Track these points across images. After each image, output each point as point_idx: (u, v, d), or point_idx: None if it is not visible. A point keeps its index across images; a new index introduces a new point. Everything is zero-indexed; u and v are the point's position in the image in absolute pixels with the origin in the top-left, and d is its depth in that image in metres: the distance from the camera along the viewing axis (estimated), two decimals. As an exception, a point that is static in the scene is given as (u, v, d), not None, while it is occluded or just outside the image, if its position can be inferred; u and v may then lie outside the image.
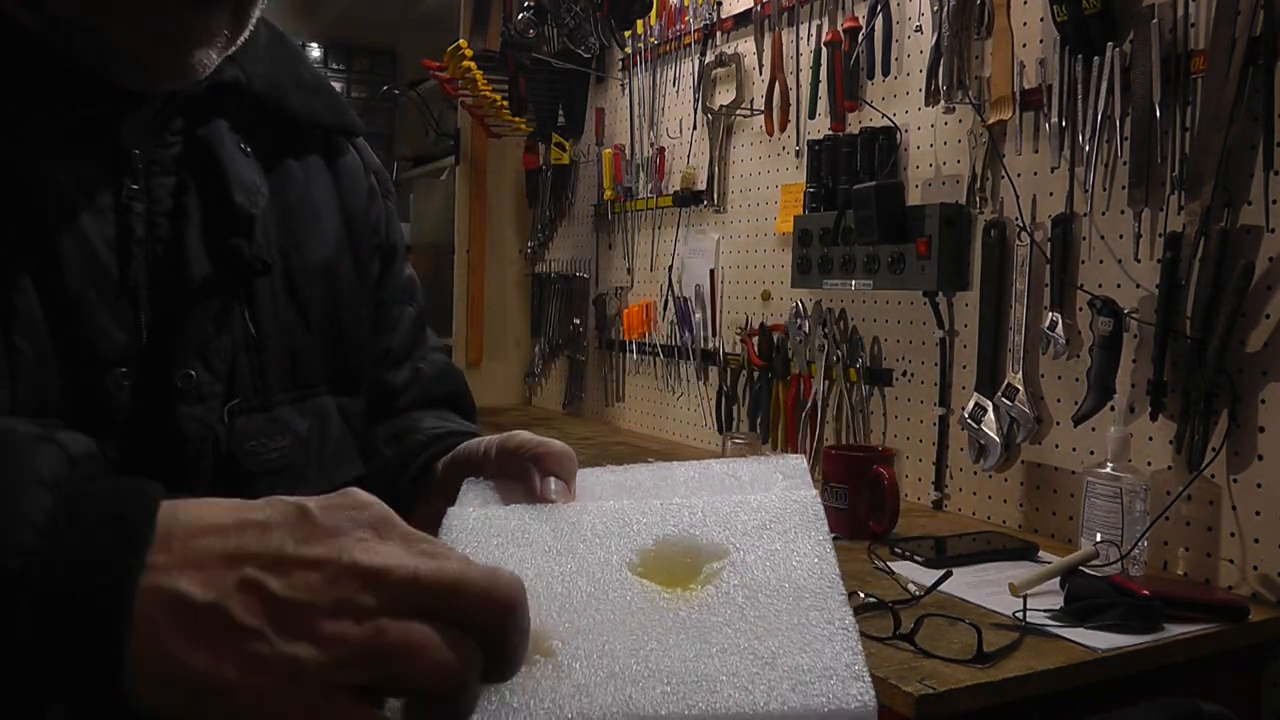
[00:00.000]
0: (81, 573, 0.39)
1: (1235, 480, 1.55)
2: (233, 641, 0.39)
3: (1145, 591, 1.37)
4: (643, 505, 0.58)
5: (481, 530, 0.57)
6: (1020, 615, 1.34)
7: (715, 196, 2.66)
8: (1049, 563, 1.54)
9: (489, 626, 0.41)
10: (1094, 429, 1.73)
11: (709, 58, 2.67)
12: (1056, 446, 1.83)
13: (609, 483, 0.64)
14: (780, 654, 0.45)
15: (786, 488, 0.61)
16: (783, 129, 2.40)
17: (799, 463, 0.64)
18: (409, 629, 0.39)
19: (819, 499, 0.58)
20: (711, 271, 2.70)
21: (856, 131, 2.19)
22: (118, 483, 0.43)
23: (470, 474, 0.68)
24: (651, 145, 2.95)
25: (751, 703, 0.43)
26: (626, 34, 2.85)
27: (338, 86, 4.49)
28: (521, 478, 0.64)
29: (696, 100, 2.70)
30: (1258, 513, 1.52)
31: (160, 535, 0.41)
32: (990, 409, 1.90)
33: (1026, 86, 1.83)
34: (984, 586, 1.48)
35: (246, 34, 0.71)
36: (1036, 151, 1.84)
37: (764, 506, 0.57)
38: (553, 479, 0.62)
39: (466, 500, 0.64)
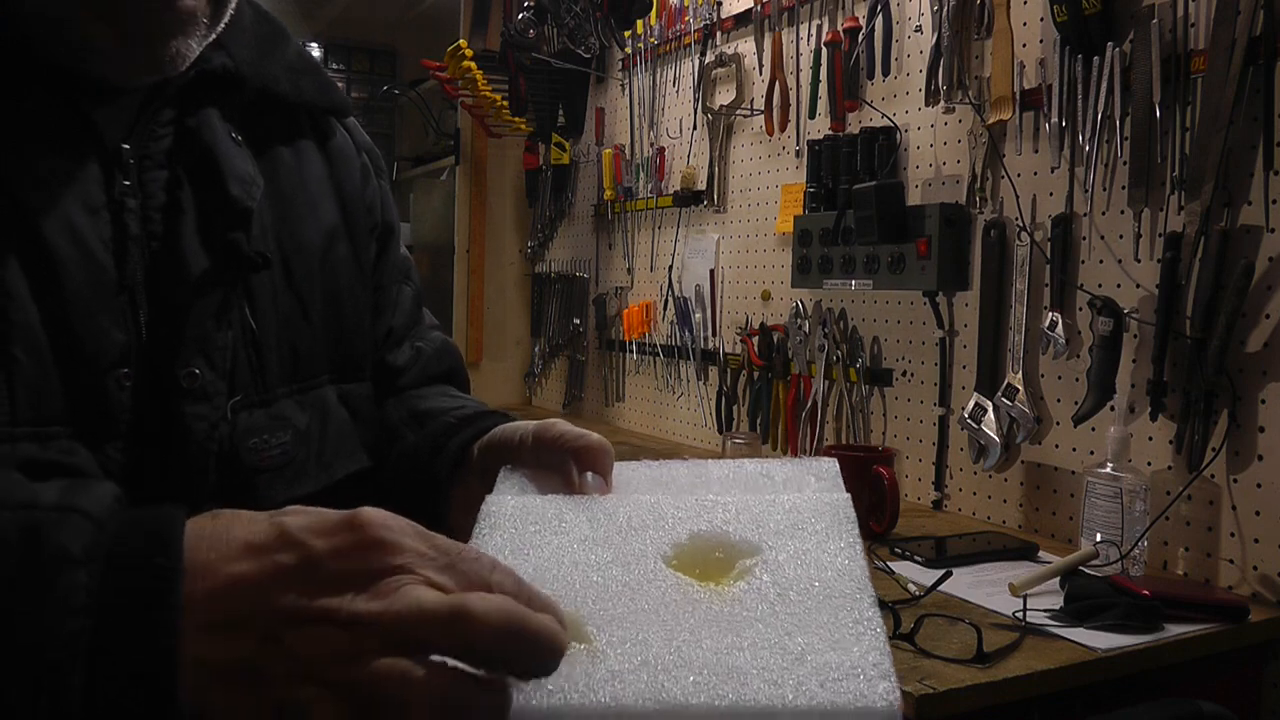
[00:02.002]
0: (126, 651, 0.42)
1: (1235, 480, 1.55)
2: (264, 690, 0.43)
3: (1145, 591, 1.37)
4: (678, 500, 0.60)
5: (519, 517, 0.58)
6: (1020, 615, 1.34)
7: (715, 196, 2.66)
8: (1049, 563, 1.54)
9: (467, 644, 0.43)
10: (1094, 429, 1.73)
11: (709, 58, 2.67)
12: (1056, 446, 1.83)
13: (645, 477, 0.66)
14: (809, 651, 0.46)
15: (819, 489, 0.63)
16: (783, 129, 2.40)
17: (831, 465, 0.65)
18: (389, 665, 0.42)
19: (850, 502, 0.59)
20: (711, 271, 2.70)
21: (856, 131, 2.19)
22: (146, 533, 0.45)
23: (507, 461, 0.69)
24: (651, 145, 2.95)
25: (779, 696, 0.44)
26: (626, 34, 2.85)
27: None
28: (559, 470, 0.64)
29: (696, 100, 2.70)
30: (1258, 513, 1.52)
31: (188, 597, 0.44)
32: (990, 409, 1.90)
33: (1026, 86, 1.83)
34: (984, 586, 1.48)
35: (227, 18, 0.70)
36: (1036, 151, 1.84)
37: (796, 507, 0.58)
38: (590, 474, 0.63)
39: (504, 489, 0.65)
